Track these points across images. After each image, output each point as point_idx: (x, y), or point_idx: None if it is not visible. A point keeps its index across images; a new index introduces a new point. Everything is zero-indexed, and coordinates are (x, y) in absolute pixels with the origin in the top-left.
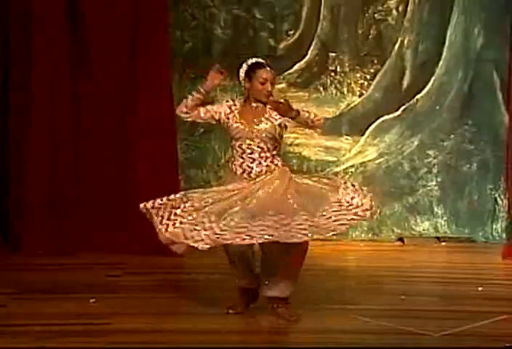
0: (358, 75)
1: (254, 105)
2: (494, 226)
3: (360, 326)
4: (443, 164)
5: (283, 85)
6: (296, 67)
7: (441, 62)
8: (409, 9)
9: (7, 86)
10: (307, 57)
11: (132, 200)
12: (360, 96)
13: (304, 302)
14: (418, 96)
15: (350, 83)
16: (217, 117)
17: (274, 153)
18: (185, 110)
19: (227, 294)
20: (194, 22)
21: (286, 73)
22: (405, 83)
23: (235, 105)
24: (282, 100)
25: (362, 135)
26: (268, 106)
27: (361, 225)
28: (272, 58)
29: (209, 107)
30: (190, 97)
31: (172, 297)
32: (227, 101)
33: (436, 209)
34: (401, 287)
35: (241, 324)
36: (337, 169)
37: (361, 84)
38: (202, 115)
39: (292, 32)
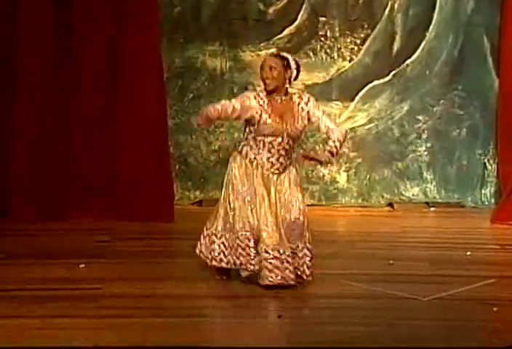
0: (348, 40)
1: (276, 97)
2: (483, 191)
3: (350, 291)
4: (432, 129)
5: (273, 50)
6: (286, 32)
7: (431, 27)
8: None
9: None
10: (296, 22)
11: (121, 166)
12: (350, 61)
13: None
14: (408, 61)
15: (340, 48)
16: (248, 115)
17: (293, 149)
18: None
19: None
20: None
21: (275, 38)
22: (395, 48)
23: (260, 97)
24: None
25: (352, 100)
26: (293, 101)
27: (350, 191)
28: (261, 23)
29: (235, 104)
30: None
31: (161, 262)
32: (253, 94)
33: (425, 174)
34: (390, 252)
35: (231, 289)
36: None
37: (351, 49)
38: (229, 113)
39: None
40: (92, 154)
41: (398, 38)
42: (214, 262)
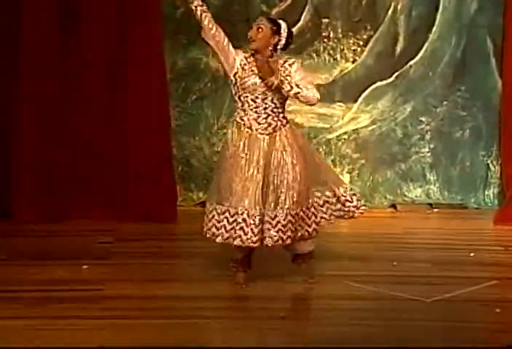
0: (351, 41)
1: (258, 57)
2: (486, 192)
3: (352, 292)
4: (435, 131)
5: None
6: None
7: (434, 28)
8: None
9: None
10: (300, 23)
11: (123, 167)
12: (353, 62)
13: (296, 269)
14: (411, 62)
15: (343, 50)
16: (230, 57)
17: (283, 109)
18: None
19: (219, 261)
20: None
21: None
22: (398, 49)
23: (250, 57)
24: (272, 66)
25: (355, 102)
26: (277, 62)
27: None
28: None
29: (226, 39)
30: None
31: (163, 264)
32: (243, 51)
33: (428, 176)
34: (394, 253)
35: (233, 290)
36: (330, 136)
37: (354, 50)
38: (211, 32)
39: None
40: (94, 155)
41: (401, 39)
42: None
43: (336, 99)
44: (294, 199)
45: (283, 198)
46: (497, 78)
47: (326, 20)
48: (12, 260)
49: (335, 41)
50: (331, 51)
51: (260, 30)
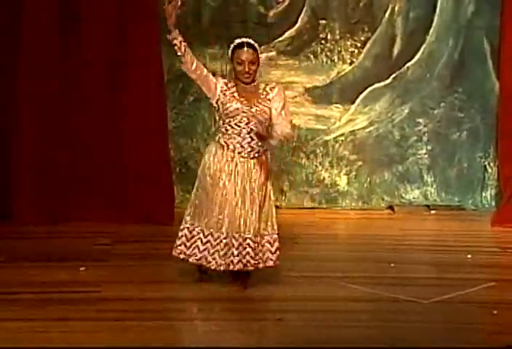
0: (348, 43)
1: (243, 86)
2: (483, 194)
3: (350, 294)
4: (433, 132)
5: (273, 53)
6: (286, 35)
7: (431, 30)
8: None
9: None
10: (297, 25)
11: (121, 169)
12: (350, 64)
13: (294, 270)
14: (409, 64)
15: (341, 51)
16: (212, 86)
17: (262, 135)
18: (179, 53)
19: None
20: None
21: (276, 41)
22: (395, 51)
23: (230, 83)
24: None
25: (352, 103)
26: (259, 86)
27: (351, 194)
28: (262, 26)
29: (205, 70)
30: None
31: (161, 266)
32: (222, 77)
33: (425, 177)
34: (391, 255)
35: (230, 293)
36: (328, 138)
37: (352, 52)
38: (193, 67)
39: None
40: (93, 157)
41: (398, 41)
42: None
43: (333, 100)
44: (269, 223)
45: (267, 222)
46: (494, 79)
47: (324, 22)
48: (12, 262)
49: (333, 42)
50: (328, 53)
51: (253, 64)
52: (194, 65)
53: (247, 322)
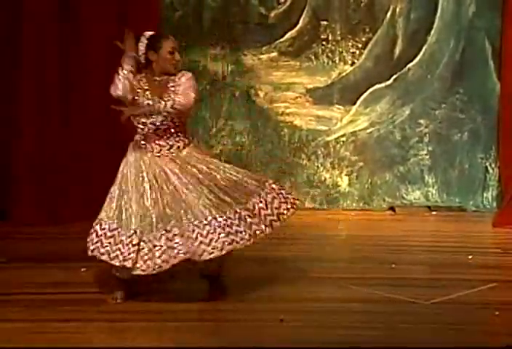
0: (349, 43)
1: (158, 78)
2: (484, 195)
3: (351, 295)
4: (434, 133)
5: (274, 54)
6: (287, 35)
7: (432, 31)
8: None
9: None
10: (298, 26)
11: None
12: (351, 65)
13: (294, 271)
14: (410, 65)
15: (342, 52)
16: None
17: (184, 128)
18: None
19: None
20: None
21: (277, 42)
22: (397, 51)
23: (140, 79)
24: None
25: (353, 104)
26: (171, 78)
27: (352, 194)
28: (263, 27)
29: (124, 84)
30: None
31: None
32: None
33: (426, 178)
34: (392, 256)
35: (232, 293)
36: (329, 139)
37: (353, 53)
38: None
39: (283, 0)
40: (95, 157)
41: (399, 41)
42: None
43: (334, 101)
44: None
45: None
46: (495, 80)
47: (325, 23)
48: (12, 263)
49: (334, 43)
50: (329, 54)
51: (177, 52)
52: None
53: (250, 322)
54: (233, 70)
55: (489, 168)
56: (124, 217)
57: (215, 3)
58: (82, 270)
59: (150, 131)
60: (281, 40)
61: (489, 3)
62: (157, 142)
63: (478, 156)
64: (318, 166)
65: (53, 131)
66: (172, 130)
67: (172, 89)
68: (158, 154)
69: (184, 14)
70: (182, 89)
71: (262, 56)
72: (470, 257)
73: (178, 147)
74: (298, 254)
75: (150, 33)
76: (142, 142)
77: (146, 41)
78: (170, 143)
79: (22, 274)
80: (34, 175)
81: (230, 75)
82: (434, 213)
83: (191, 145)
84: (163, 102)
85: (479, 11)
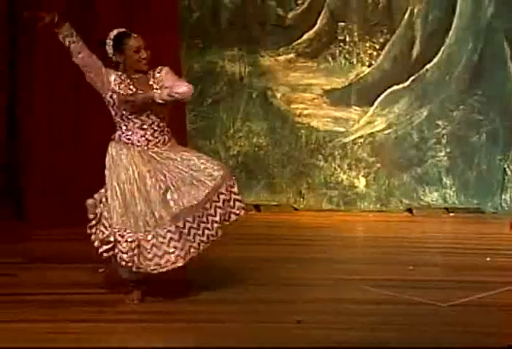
0: (367, 45)
1: (135, 76)
2: (503, 196)
3: (369, 297)
4: (452, 135)
5: (292, 55)
6: (305, 37)
7: (450, 32)
8: None
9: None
10: (316, 27)
11: None
12: (369, 66)
13: (312, 273)
14: (428, 66)
15: (360, 53)
16: (104, 79)
17: (167, 123)
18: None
19: (228, 264)
20: None
21: (295, 43)
22: (414, 53)
23: (123, 75)
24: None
25: (371, 105)
26: (147, 75)
27: (369, 196)
28: (280, 28)
29: (100, 63)
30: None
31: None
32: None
33: (444, 180)
34: (410, 258)
35: (247, 294)
36: (346, 140)
37: (370, 54)
38: (83, 57)
39: (300, 1)
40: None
41: (417, 43)
42: None
43: (352, 102)
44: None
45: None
46: None
47: (343, 24)
48: (31, 263)
49: (351, 44)
50: (347, 55)
51: (146, 48)
52: (80, 55)
53: (266, 324)
54: (251, 71)
55: (507, 169)
56: (133, 220)
57: (232, 5)
58: (100, 270)
59: (136, 125)
60: (299, 41)
61: (507, 4)
62: (142, 136)
63: (496, 158)
64: (335, 168)
65: (68, 136)
66: (159, 124)
67: (156, 85)
68: (146, 147)
69: (201, 16)
70: (172, 81)
71: (279, 57)
72: (488, 259)
73: (163, 141)
74: (315, 255)
75: (115, 33)
76: (128, 137)
77: (111, 42)
78: (156, 137)
79: (41, 275)
80: (51, 178)
81: (247, 77)
82: (452, 215)
83: (172, 141)
84: (159, 91)
85: (498, 12)
